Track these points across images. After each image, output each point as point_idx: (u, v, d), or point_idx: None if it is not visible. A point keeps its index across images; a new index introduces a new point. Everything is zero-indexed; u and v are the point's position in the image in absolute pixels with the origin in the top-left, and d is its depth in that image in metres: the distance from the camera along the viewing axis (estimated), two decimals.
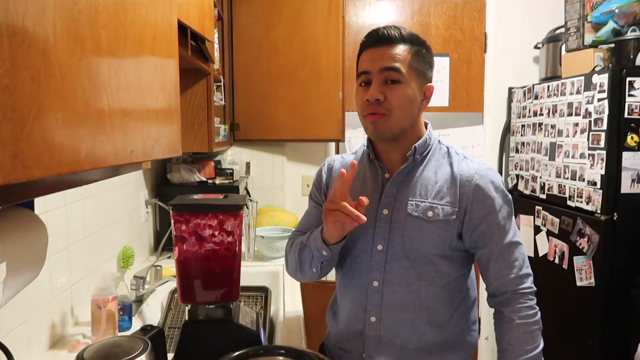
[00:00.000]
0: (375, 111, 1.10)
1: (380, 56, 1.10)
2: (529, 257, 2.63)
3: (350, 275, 1.21)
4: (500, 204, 1.13)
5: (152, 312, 1.62)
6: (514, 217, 1.17)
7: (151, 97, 0.79)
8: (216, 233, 1.02)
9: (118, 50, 0.65)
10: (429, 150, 1.18)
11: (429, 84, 1.15)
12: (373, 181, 1.20)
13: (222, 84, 2.12)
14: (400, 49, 1.10)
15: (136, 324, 1.44)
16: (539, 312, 1.14)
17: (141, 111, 0.74)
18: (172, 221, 1.01)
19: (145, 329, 0.95)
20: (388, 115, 1.10)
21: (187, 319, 1.07)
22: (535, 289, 1.16)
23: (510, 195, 1.18)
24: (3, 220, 0.67)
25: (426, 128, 1.20)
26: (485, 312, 2.97)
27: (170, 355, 1.07)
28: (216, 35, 1.92)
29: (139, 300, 1.61)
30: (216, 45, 1.93)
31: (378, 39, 1.11)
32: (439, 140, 1.21)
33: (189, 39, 1.36)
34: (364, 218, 1.02)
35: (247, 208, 1.10)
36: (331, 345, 1.29)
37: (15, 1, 0.45)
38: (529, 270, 1.16)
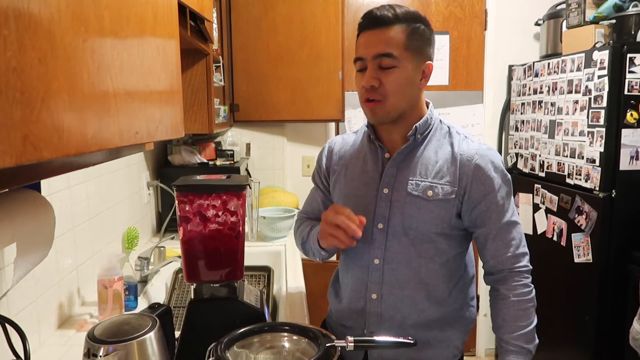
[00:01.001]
0: (371, 97, 1.11)
1: (374, 41, 1.09)
2: (528, 235, 2.65)
3: (352, 254, 1.23)
4: (499, 184, 1.15)
5: (157, 292, 1.64)
6: (512, 197, 1.19)
7: (154, 77, 0.79)
8: (220, 213, 1.04)
9: (121, 31, 0.65)
10: (430, 130, 1.18)
11: (428, 62, 1.13)
12: (373, 161, 1.21)
13: (221, 64, 2.11)
14: (395, 31, 1.08)
15: (142, 304, 1.47)
16: (533, 290, 1.17)
17: (144, 92, 0.75)
18: (177, 202, 1.02)
19: (153, 306, 0.97)
20: (384, 101, 1.10)
21: (192, 297, 1.09)
22: (531, 267, 1.18)
23: (509, 176, 1.19)
24: (12, 201, 0.68)
25: (428, 107, 1.21)
26: (483, 290, 3.00)
27: (176, 334, 1.09)
28: (215, 15, 1.91)
29: (144, 281, 1.63)
30: (215, 25, 1.92)
31: (372, 21, 1.10)
32: (440, 120, 1.21)
33: (188, 19, 1.35)
34: (358, 237, 1.07)
35: (250, 188, 1.11)
36: (333, 323, 1.32)
37: None
38: (526, 250, 1.18)
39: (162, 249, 1.79)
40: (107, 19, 0.61)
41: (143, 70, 0.74)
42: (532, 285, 1.17)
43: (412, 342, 0.93)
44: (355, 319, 1.23)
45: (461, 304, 1.23)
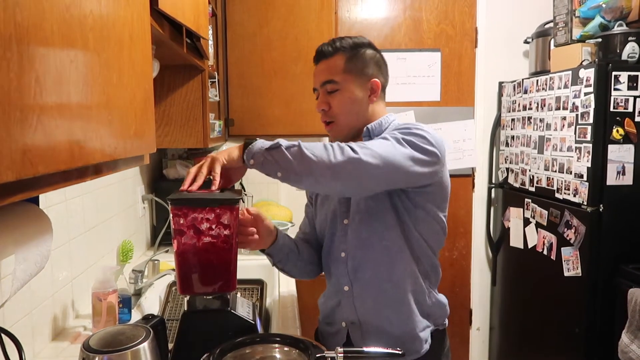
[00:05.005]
0: (325, 119, 1.27)
1: (319, 73, 1.27)
2: (519, 249, 2.68)
3: (327, 256, 1.34)
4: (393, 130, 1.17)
5: (151, 305, 1.66)
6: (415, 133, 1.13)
7: (129, 93, 0.82)
8: (213, 226, 1.06)
9: (102, 51, 0.69)
10: (384, 131, 1.26)
11: (374, 79, 1.26)
12: None
13: (216, 80, 2.15)
14: (334, 60, 1.25)
15: (135, 317, 1.48)
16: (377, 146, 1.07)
17: (123, 106, 0.78)
18: (171, 215, 1.04)
19: (147, 317, 0.98)
20: (336, 121, 1.26)
21: (186, 309, 1.10)
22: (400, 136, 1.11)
23: (414, 129, 1.15)
24: (12, 214, 0.70)
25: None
26: (477, 303, 3.03)
27: (170, 346, 1.11)
28: (210, 32, 1.95)
29: (138, 294, 1.64)
30: (210, 42, 1.96)
31: (317, 56, 1.28)
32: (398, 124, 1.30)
33: (184, 37, 1.39)
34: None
35: (243, 202, 1.13)
36: (320, 325, 1.40)
37: (21, 8, 0.49)
38: (411, 133, 1.12)
39: (156, 262, 1.81)
40: (92, 39, 0.64)
41: (122, 87, 0.77)
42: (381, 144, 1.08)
43: (400, 352, 0.95)
44: (336, 313, 1.31)
45: (420, 291, 1.25)
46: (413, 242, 1.23)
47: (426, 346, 1.25)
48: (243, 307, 1.16)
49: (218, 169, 1.05)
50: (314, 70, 1.30)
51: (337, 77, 1.24)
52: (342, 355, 0.92)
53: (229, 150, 1.08)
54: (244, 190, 2.61)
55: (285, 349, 0.97)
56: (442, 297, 1.32)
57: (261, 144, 1.06)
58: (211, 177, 1.06)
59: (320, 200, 1.38)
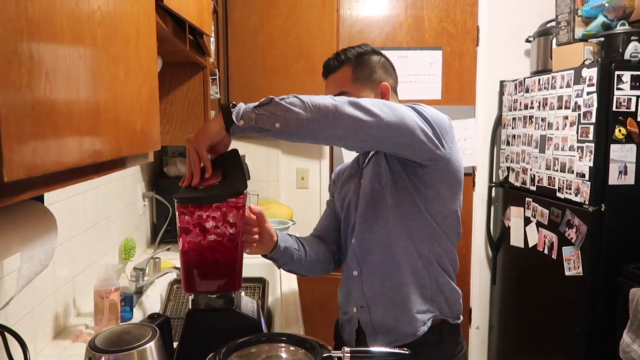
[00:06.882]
0: None
1: (329, 87, 1.32)
2: (519, 248, 2.67)
3: (344, 246, 1.38)
4: None
5: (152, 303, 1.65)
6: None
7: (136, 90, 0.81)
8: (219, 224, 1.05)
9: (110, 47, 0.68)
10: None
11: (383, 83, 1.30)
12: (356, 160, 1.40)
13: (217, 77, 2.14)
14: (342, 72, 1.30)
15: (137, 315, 1.47)
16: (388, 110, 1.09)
17: (129, 103, 0.77)
18: (177, 213, 1.03)
19: (153, 317, 0.97)
20: None
21: (190, 307, 1.10)
22: (420, 111, 1.16)
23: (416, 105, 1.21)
24: (18, 212, 0.69)
25: None
26: (476, 303, 3.03)
27: (173, 344, 1.10)
28: (212, 29, 1.94)
29: (139, 292, 1.63)
30: (212, 39, 1.95)
31: (325, 71, 1.34)
32: None
33: (187, 33, 1.38)
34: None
35: (246, 189, 1.12)
36: (340, 315, 1.42)
37: (32, 2, 0.48)
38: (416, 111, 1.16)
39: (157, 260, 1.80)
40: (100, 35, 0.64)
41: (129, 84, 0.76)
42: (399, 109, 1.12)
43: (407, 352, 0.95)
44: (348, 299, 1.34)
45: (434, 277, 1.27)
46: (421, 223, 1.24)
47: (424, 328, 1.24)
48: (247, 306, 1.15)
49: (204, 153, 1.02)
50: (325, 83, 1.34)
51: (347, 88, 1.27)
52: (349, 355, 0.92)
53: (206, 128, 1.03)
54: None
55: (292, 348, 0.96)
56: (455, 287, 1.31)
57: (246, 105, 1.03)
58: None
59: (338, 191, 1.42)
